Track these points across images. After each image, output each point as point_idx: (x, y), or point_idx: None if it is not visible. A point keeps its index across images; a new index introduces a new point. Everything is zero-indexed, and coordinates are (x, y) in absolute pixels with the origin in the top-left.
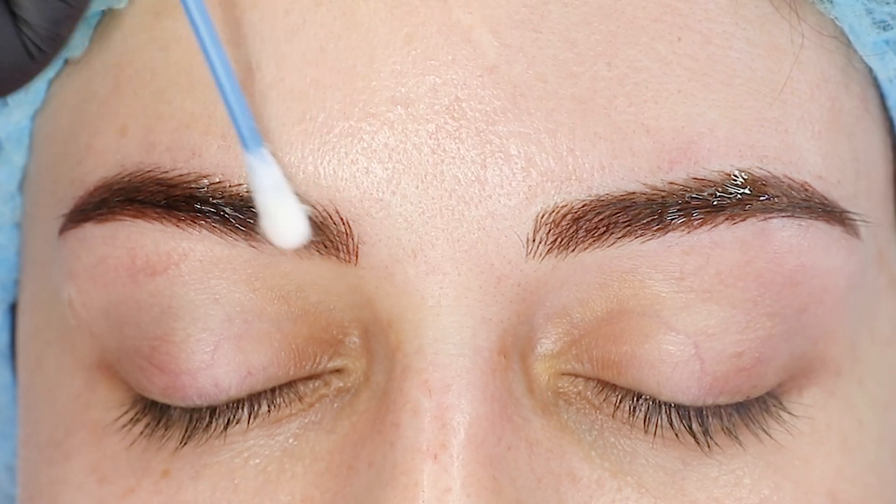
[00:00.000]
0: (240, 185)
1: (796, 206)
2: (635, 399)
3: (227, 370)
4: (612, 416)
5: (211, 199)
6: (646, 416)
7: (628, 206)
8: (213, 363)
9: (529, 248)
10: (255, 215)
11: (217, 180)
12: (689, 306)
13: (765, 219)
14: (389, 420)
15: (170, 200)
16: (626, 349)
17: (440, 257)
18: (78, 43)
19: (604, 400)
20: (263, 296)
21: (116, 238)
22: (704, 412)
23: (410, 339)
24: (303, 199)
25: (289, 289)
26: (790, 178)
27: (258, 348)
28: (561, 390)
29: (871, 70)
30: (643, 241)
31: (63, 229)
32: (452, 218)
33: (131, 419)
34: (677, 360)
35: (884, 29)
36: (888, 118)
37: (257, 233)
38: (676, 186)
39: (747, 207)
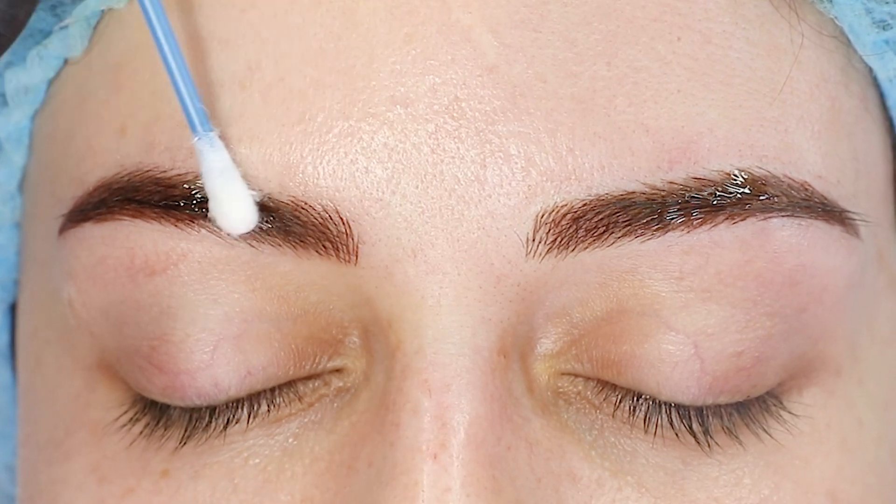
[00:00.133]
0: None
1: (796, 206)
2: (635, 399)
3: (227, 370)
4: (612, 416)
5: None
6: (646, 416)
7: (628, 206)
8: (213, 363)
9: (529, 247)
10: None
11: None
12: (688, 306)
13: (764, 218)
14: (389, 420)
15: (169, 200)
16: (625, 349)
17: (440, 257)
18: (78, 43)
19: (604, 400)
20: (263, 296)
21: (116, 238)
22: (704, 412)
23: (410, 338)
24: (303, 198)
25: (288, 289)
26: (790, 178)
27: (258, 348)
28: (561, 390)
29: (870, 70)
30: (643, 241)
31: (63, 229)
32: (452, 217)
33: (131, 419)
34: (677, 360)
35: (883, 28)
36: (888, 118)
37: (257, 231)
38: (676, 186)
39: (747, 207)
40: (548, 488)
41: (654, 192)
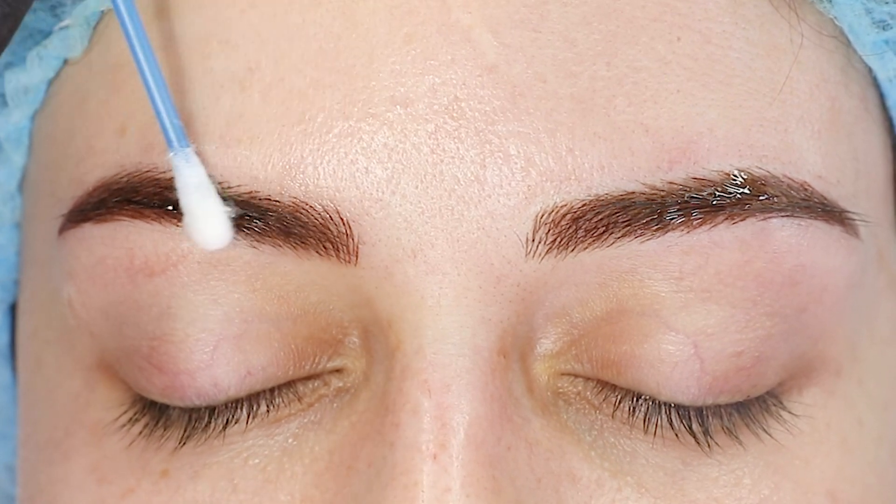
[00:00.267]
0: (239, 185)
1: (796, 206)
2: (635, 399)
3: (227, 370)
4: (612, 416)
5: None
6: (645, 416)
7: (628, 206)
8: (212, 363)
9: (529, 247)
10: (254, 215)
11: (216, 181)
12: (688, 306)
13: (764, 218)
14: (389, 420)
15: (168, 201)
16: (625, 349)
17: (440, 257)
18: (77, 43)
19: (603, 400)
20: (263, 296)
21: (115, 238)
22: (704, 412)
23: (410, 339)
24: (303, 198)
25: (288, 289)
26: (789, 178)
27: (257, 348)
28: (560, 390)
29: (870, 70)
30: (642, 241)
31: (62, 229)
32: (452, 218)
33: (130, 419)
34: (677, 360)
35: (883, 29)
36: (888, 118)
37: (257, 232)
38: (676, 186)
39: (746, 207)
40: (548, 488)
41: (653, 192)
